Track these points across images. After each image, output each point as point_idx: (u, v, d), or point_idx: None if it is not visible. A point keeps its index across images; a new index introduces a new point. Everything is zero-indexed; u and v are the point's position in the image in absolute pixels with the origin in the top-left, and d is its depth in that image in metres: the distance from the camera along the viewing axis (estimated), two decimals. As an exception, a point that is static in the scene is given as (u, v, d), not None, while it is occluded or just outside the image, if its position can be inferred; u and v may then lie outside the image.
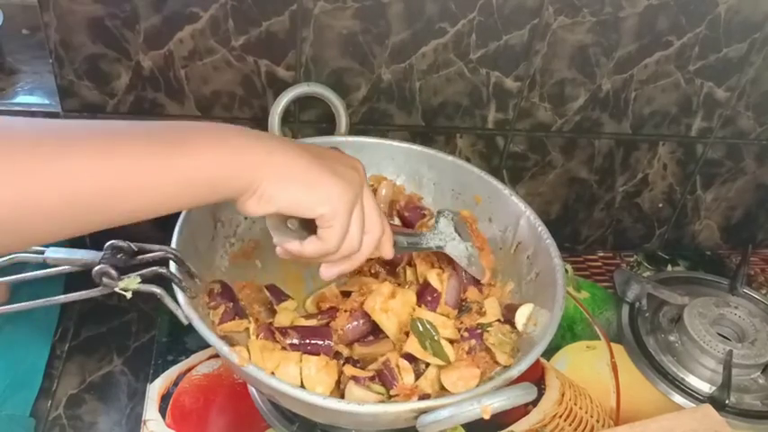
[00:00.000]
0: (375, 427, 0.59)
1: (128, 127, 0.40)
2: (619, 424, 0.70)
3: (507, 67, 0.75)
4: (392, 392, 0.57)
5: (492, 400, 0.47)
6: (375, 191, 0.73)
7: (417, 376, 0.58)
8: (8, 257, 0.53)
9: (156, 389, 0.68)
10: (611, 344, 0.81)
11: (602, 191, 0.90)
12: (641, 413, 0.72)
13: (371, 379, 0.58)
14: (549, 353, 0.78)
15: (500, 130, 0.81)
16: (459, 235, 0.65)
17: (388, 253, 0.54)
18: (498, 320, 0.63)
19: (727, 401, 0.72)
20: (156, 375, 0.69)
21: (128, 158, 0.38)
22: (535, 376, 0.75)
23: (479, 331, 0.61)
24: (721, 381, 0.73)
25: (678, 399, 0.75)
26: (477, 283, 0.66)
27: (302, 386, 0.57)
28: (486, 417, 0.47)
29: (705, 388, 0.76)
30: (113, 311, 0.78)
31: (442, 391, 0.58)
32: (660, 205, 0.93)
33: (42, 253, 0.52)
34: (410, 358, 0.59)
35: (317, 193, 0.44)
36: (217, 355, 0.71)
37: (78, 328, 0.75)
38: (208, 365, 0.71)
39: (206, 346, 0.70)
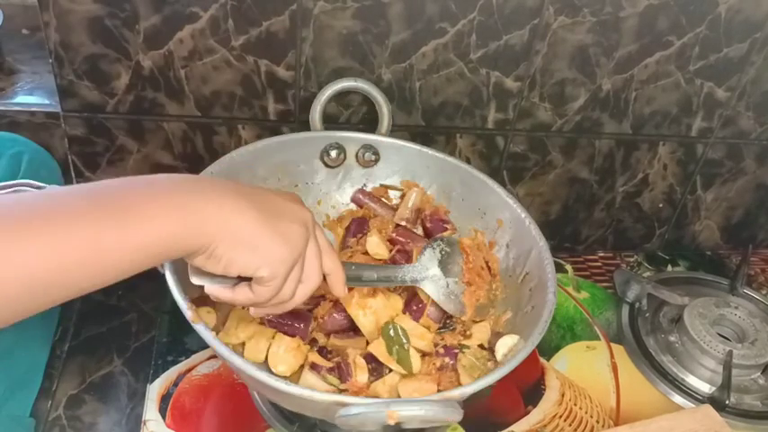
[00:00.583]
0: (305, 410, 0.58)
1: (80, 198, 0.40)
2: (619, 424, 0.70)
3: (507, 67, 0.75)
4: (342, 386, 0.57)
5: (401, 407, 0.47)
6: (404, 196, 0.73)
7: (377, 378, 0.58)
8: (12, 188, 0.55)
9: (155, 389, 0.68)
10: (611, 344, 0.81)
11: (602, 191, 0.90)
12: (641, 413, 0.72)
13: (330, 370, 0.58)
14: (549, 353, 0.78)
15: (500, 130, 0.81)
16: (446, 267, 0.64)
17: (339, 292, 0.54)
18: (481, 345, 0.63)
19: (727, 402, 0.72)
20: (156, 376, 0.69)
21: (83, 238, 0.38)
22: (535, 376, 0.75)
23: (456, 351, 0.61)
24: (721, 381, 0.73)
25: (678, 399, 0.75)
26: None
27: (266, 361, 0.58)
28: (392, 422, 0.46)
29: (705, 388, 0.76)
30: (113, 311, 0.78)
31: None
32: (660, 205, 0.93)
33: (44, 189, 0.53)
34: (372, 359, 0.59)
35: (261, 256, 0.45)
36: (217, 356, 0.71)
37: (78, 328, 0.75)
38: (208, 365, 0.71)
39: (206, 346, 0.70)
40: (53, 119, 0.73)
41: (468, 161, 0.83)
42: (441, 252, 0.65)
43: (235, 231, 0.44)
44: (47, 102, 0.74)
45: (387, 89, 0.75)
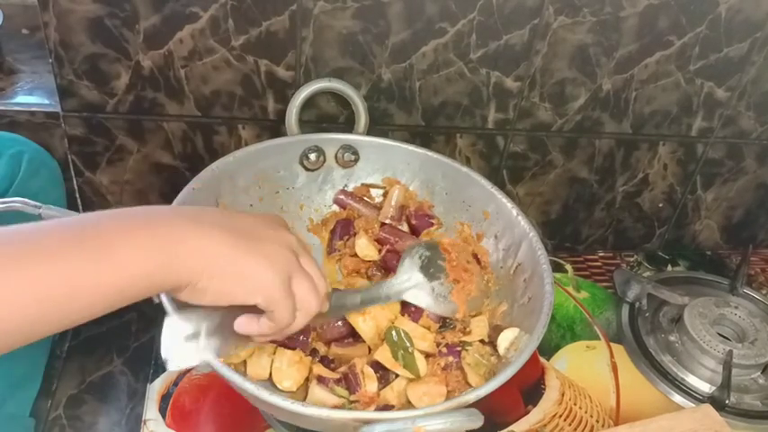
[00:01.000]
0: (321, 428, 0.57)
1: (57, 236, 0.39)
2: (618, 424, 0.70)
3: (507, 66, 0.75)
4: (352, 398, 0.57)
5: (427, 422, 0.46)
6: (386, 194, 0.73)
7: (385, 385, 0.58)
8: (6, 204, 0.57)
9: (155, 389, 0.68)
10: (611, 344, 0.81)
11: (602, 191, 0.90)
12: (641, 413, 0.72)
13: (337, 381, 0.58)
14: (549, 353, 0.78)
15: (500, 130, 0.81)
16: (429, 271, 0.63)
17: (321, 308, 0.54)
18: (482, 341, 0.63)
19: (726, 401, 0.72)
20: (155, 375, 0.69)
21: (60, 277, 0.37)
22: (535, 376, 0.75)
23: (459, 349, 0.61)
24: (721, 381, 0.73)
25: (678, 399, 0.75)
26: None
27: (270, 378, 0.57)
28: None
29: (705, 388, 0.76)
30: (113, 311, 0.78)
31: (408, 404, 0.57)
32: (660, 205, 0.93)
33: (39, 208, 0.56)
34: (378, 366, 0.58)
35: (249, 283, 0.44)
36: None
37: (78, 327, 0.75)
38: (207, 365, 0.70)
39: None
40: (53, 119, 0.73)
41: (468, 161, 0.83)
42: (420, 257, 0.64)
43: (216, 263, 0.43)
44: (47, 102, 0.74)
45: (387, 89, 0.75)
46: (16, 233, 0.39)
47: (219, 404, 0.67)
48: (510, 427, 0.69)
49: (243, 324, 0.47)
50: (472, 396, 0.50)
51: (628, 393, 0.75)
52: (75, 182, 0.77)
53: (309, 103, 0.73)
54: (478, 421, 0.47)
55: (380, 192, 0.74)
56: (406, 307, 0.64)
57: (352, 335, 0.62)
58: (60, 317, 0.39)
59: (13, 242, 0.38)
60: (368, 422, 0.47)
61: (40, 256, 0.37)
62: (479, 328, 0.63)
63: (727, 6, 0.74)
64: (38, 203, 0.58)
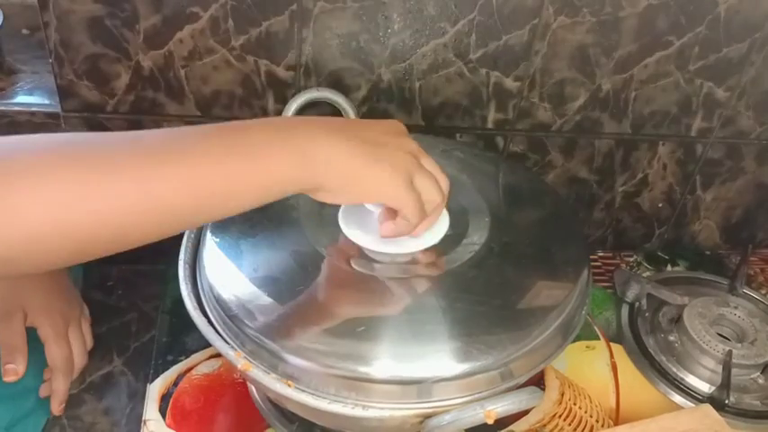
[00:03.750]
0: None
1: (209, 136, 0.45)
2: (618, 424, 0.70)
3: (507, 67, 0.75)
4: None
5: (495, 405, 0.47)
6: None
7: None
8: None
9: (156, 389, 0.68)
10: (611, 344, 0.81)
11: (601, 191, 0.90)
12: (641, 413, 0.72)
13: None
14: (549, 353, 0.78)
15: (500, 130, 0.81)
16: None
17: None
18: None
19: (726, 401, 0.72)
20: (156, 375, 0.69)
21: (216, 172, 0.43)
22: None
23: None
24: (721, 381, 0.74)
25: (678, 399, 0.75)
26: None
27: None
28: (490, 422, 0.47)
29: (705, 388, 0.76)
30: (113, 311, 0.78)
31: None
32: (660, 205, 0.93)
33: None
34: None
35: (375, 185, 0.49)
36: (217, 355, 0.71)
37: (78, 327, 0.75)
38: (208, 365, 0.71)
39: (206, 345, 0.70)
40: (53, 119, 0.73)
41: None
42: None
43: (344, 168, 0.48)
44: (47, 102, 0.74)
45: (387, 89, 0.75)
46: (170, 132, 0.45)
47: (219, 404, 0.67)
48: (509, 427, 0.69)
49: (384, 229, 0.53)
50: (523, 378, 0.52)
51: (627, 393, 0.75)
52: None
53: (309, 103, 0.74)
54: (539, 398, 0.50)
55: None
56: None
57: None
58: (215, 210, 0.45)
59: (169, 139, 0.44)
60: (431, 415, 0.47)
61: (196, 150, 0.43)
62: None
63: (727, 6, 0.75)
64: None
